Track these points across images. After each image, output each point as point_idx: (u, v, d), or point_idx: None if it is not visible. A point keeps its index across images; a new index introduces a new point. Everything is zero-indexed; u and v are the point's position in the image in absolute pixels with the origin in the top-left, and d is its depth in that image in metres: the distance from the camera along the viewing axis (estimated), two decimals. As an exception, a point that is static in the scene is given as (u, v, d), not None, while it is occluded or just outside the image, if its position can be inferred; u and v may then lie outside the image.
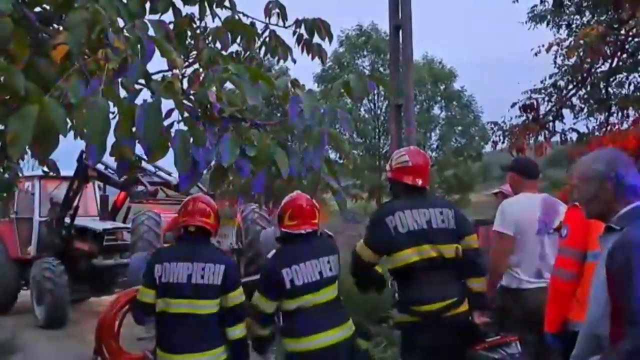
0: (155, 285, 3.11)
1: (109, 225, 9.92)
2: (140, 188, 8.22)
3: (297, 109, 2.03)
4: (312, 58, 3.07)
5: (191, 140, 1.78)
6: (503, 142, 9.08)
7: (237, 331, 3.13)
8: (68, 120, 1.71)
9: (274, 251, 3.35)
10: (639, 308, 1.90)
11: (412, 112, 7.46)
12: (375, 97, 24.45)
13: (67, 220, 9.46)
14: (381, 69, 23.01)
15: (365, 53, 24.53)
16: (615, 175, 2.05)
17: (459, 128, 25.39)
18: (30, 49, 1.79)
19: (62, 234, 9.41)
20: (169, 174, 9.00)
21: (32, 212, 9.77)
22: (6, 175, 4.24)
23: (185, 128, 1.79)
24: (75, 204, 9.38)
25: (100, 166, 8.94)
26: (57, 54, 1.72)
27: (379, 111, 24.66)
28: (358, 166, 23.24)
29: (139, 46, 1.76)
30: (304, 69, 17.49)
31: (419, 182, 3.32)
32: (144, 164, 8.90)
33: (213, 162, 1.97)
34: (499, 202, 4.00)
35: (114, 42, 1.71)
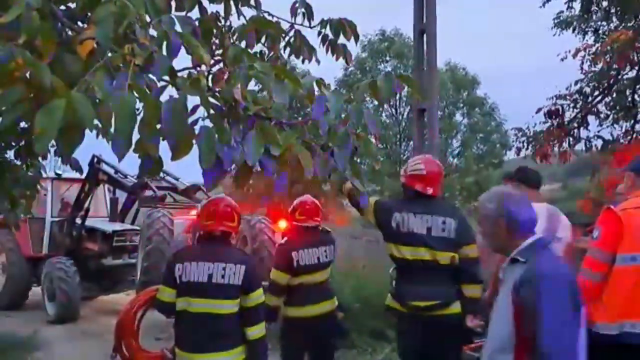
0: (175, 284, 3.13)
1: (118, 226, 10.28)
2: (148, 193, 8.47)
3: (322, 109, 1.99)
4: (337, 59, 3.04)
5: (216, 137, 1.76)
6: (527, 149, 8.95)
7: (256, 331, 3.15)
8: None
9: (285, 238, 4.30)
10: (547, 340, 1.99)
11: (435, 116, 7.38)
12: (397, 103, 24.34)
13: (78, 221, 9.79)
14: (406, 85, 22.93)
15: (387, 58, 24.43)
16: (506, 213, 2.18)
17: (481, 135, 25.14)
18: (57, 45, 1.79)
19: (73, 234, 9.75)
20: (177, 178, 9.21)
21: (44, 212, 10.08)
22: (30, 173, 4.30)
23: (211, 125, 1.77)
24: (86, 205, 9.72)
25: (110, 170, 9.23)
26: (84, 49, 1.72)
27: (400, 117, 24.52)
28: (379, 172, 23.13)
29: (165, 42, 1.75)
30: (326, 73, 17.53)
31: (430, 190, 3.59)
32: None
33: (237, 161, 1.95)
34: None
35: (140, 38, 1.70)
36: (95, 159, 9.26)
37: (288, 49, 3.07)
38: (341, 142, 2.05)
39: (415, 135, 7.83)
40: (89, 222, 10.03)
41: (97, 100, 1.56)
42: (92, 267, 9.76)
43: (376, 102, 23.72)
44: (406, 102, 23.81)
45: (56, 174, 10.05)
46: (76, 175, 9.92)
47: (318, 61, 3.13)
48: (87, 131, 1.62)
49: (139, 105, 1.70)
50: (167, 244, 8.49)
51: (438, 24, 6.92)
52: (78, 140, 1.53)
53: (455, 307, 3.48)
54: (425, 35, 7.03)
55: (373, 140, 2.28)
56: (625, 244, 2.75)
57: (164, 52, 1.76)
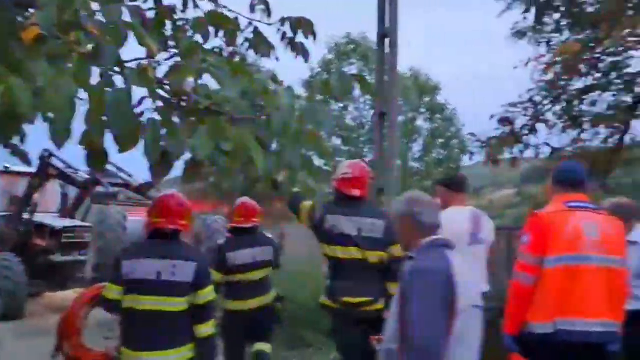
0: (122, 282, 3.05)
1: (68, 222, 9.96)
2: (100, 189, 8.27)
3: (276, 105, 1.98)
4: (296, 56, 3.03)
5: (164, 131, 1.73)
6: (480, 154, 9.19)
7: (206, 329, 3.10)
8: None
9: (224, 239, 4.62)
10: (412, 332, 2.15)
11: (395, 120, 7.45)
12: (362, 106, 24.53)
13: (27, 216, 9.45)
14: (368, 77, 23.15)
15: (353, 61, 24.61)
16: (412, 214, 2.37)
17: (441, 140, 25.60)
18: (1, 30, 1.72)
19: (21, 229, 9.39)
20: (131, 175, 9.06)
21: None
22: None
23: (159, 118, 1.73)
24: (35, 200, 9.39)
25: (61, 165, 8.97)
26: (28, 35, 1.66)
27: (364, 119, 24.72)
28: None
29: (113, 31, 1.70)
30: (292, 74, 17.50)
31: (357, 192, 3.80)
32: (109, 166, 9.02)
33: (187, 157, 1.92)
34: None
35: (87, 26, 1.65)
36: (47, 153, 8.97)
37: (246, 45, 3.03)
38: (295, 139, 2.04)
39: (376, 138, 7.89)
40: (38, 218, 9.66)
41: (38, 89, 1.51)
42: (40, 264, 9.42)
43: (341, 104, 23.89)
44: (370, 105, 24.01)
45: (4, 167, 9.69)
46: (25, 168, 9.64)
47: (277, 59, 3.12)
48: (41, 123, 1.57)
49: (85, 95, 1.66)
50: (121, 241, 8.29)
51: (403, 30, 7.01)
52: (16, 127, 1.47)
53: (381, 304, 3.67)
54: (387, 39, 7.09)
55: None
56: (552, 247, 2.90)
57: (112, 42, 1.72)
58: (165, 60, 2.02)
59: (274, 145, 2.09)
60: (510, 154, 8.95)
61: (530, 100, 9.01)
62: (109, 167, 9.18)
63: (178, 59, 2.40)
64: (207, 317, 3.12)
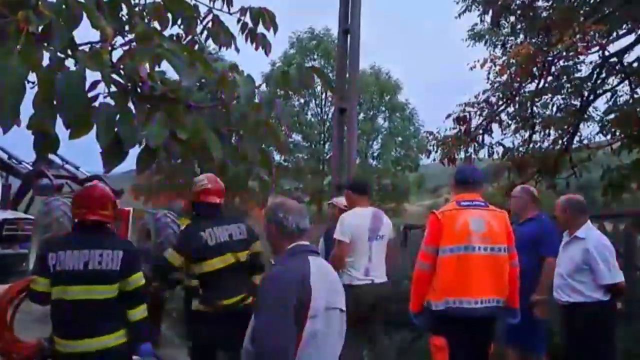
0: (49, 273, 3.09)
1: (9, 214, 9.58)
2: (45, 181, 7.98)
3: (234, 94, 1.96)
4: (256, 48, 3.00)
5: (117, 117, 1.68)
6: (436, 152, 9.35)
7: (137, 313, 3.21)
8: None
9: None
10: (260, 337, 2.22)
11: (354, 116, 7.50)
12: (323, 102, 24.58)
13: None
14: (330, 74, 23.19)
15: (315, 57, 24.64)
16: (275, 219, 2.42)
17: (400, 139, 25.95)
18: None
19: None
20: (77, 167, 8.80)
21: None
22: None
23: (112, 103, 1.68)
24: None
25: (3, 155, 8.63)
26: (-28, 12, 1.58)
27: (325, 116, 24.78)
28: (301, 170, 23.25)
29: (64, 12, 1.64)
30: (253, 68, 17.34)
31: (217, 200, 4.08)
32: (50, 156, 8.77)
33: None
34: (332, 213, 5.14)
35: (36, 4, 1.59)
36: None
37: (205, 34, 2.99)
38: (252, 129, 2.03)
39: (335, 134, 7.92)
40: None
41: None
42: None
43: (302, 100, 23.86)
44: (332, 102, 24.09)
45: None
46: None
47: (237, 49, 3.08)
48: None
49: (34, 77, 1.59)
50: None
51: (365, 29, 7.05)
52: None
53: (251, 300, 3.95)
54: (349, 35, 7.13)
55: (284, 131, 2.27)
56: (445, 239, 3.48)
57: (64, 23, 1.66)
58: (121, 45, 1.96)
59: (232, 137, 2.06)
60: (465, 153, 9.16)
61: (486, 100, 9.24)
62: (54, 158, 8.89)
63: (134, 45, 2.35)
64: (138, 302, 3.22)
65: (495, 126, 9.38)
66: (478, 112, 9.22)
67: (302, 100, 24.05)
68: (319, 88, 24.53)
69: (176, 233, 9.80)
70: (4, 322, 3.40)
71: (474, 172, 3.90)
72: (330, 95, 24.18)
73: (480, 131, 9.25)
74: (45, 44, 1.65)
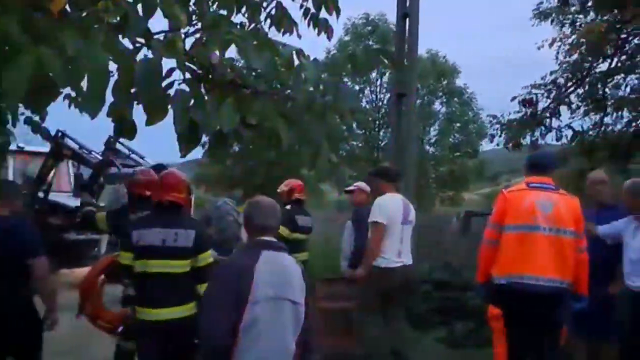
0: (132, 248, 3.42)
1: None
2: (113, 170, 8.34)
3: (301, 79, 1.97)
4: (318, 33, 3.00)
5: (191, 102, 1.73)
6: (500, 136, 9.04)
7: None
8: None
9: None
10: (200, 320, 2.46)
11: (413, 101, 7.39)
12: (378, 88, 24.32)
13: (41, 195, 9.56)
14: (385, 60, 22.88)
15: (370, 43, 24.32)
16: (246, 215, 2.62)
17: (458, 124, 25.32)
18: (26, 1, 1.72)
19: (35, 208, 9.50)
20: (142, 157, 9.14)
21: None
22: (-1, 141, 4.17)
23: (187, 89, 1.73)
24: (49, 180, 9.49)
25: (75, 145, 9.06)
26: (55, 5, 1.66)
27: (380, 103, 24.53)
28: (356, 157, 23.18)
29: (140, 2, 1.70)
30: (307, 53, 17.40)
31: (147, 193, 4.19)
32: (118, 146, 9.15)
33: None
34: (353, 197, 5.45)
35: (115, -4, 1.65)
36: (60, 134, 9.05)
37: (269, 21, 3.02)
38: (319, 113, 2.03)
39: (392, 120, 7.84)
40: (52, 197, 9.78)
41: (69, 59, 1.51)
42: (54, 242, 9.54)
43: (357, 87, 23.67)
44: (387, 88, 23.81)
45: (18, 147, 9.78)
46: (39, 148, 9.73)
47: (299, 36, 3.10)
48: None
49: (112, 67, 1.66)
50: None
51: (422, 11, 6.90)
52: (48, 98, 1.48)
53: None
54: (407, 19, 7.00)
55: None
56: (510, 217, 3.61)
57: (140, 13, 1.72)
58: (191, 33, 2.02)
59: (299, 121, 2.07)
60: (531, 137, 8.81)
61: (554, 82, 8.83)
62: (121, 148, 9.31)
63: (199, 33, 2.40)
64: (207, 278, 3.34)
65: (563, 109, 8.92)
66: (545, 94, 8.82)
67: (356, 87, 23.86)
68: (373, 75, 24.29)
69: (236, 220, 10.22)
70: (94, 292, 3.82)
71: (546, 156, 4.05)
72: (386, 82, 23.93)
73: (548, 114, 8.84)
74: (122, 33, 1.73)
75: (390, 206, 4.55)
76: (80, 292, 3.85)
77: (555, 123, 8.98)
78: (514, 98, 8.80)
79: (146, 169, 4.65)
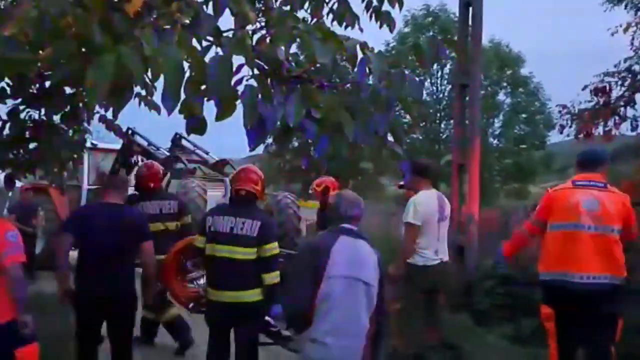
0: (206, 233, 3.76)
1: None
2: (180, 165, 8.66)
3: (365, 71, 1.97)
4: (380, 26, 3.00)
5: (259, 97, 1.78)
6: (570, 127, 8.63)
7: (271, 277, 3.70)
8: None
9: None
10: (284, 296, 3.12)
11: (477, 92, 7.21)
12: (439, 80, 23.85)
13: None
14: (450, 50, 22.32)
15: (431, 34, 23.86)
16: (333, 204, 3.09)
17: (523, 115, 24.40)
18: (106, 3, 1.82)
19: None
20: (207, 153, 9.42)
21: (80, 180, 10.35)
22: (76, 138, 4.44)
23: (255, 85, 1.78)
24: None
25: (144, 142, 9.47)
26: (132, 6, 1.75)
27: (441, 95, 24.04)
28: (416, 150, 22.88)
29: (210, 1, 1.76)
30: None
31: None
32: (184, 142, 9.45)
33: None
34: (405, 193, 5.18)
35: (187, -4, 1.72)
36: (130, 131, 9.47)
37: (331, 16, 3.04)
38: (383, 105, 2.03)
39: (455, 111, 7.68)
40: None
41: (145, 57, 1.59)
42: None
43: (417, 79, 23.28)
44: (448, 79, 23.31)
45: (92, 144, 10.32)
46: (111, 145, 10.23)
47: (361, 29, 3.10)
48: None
49: (185, 65, 1.73)
50: (202, 211, 8.67)
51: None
52: (128, 94, 1.57)
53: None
54: (470, 7, 6.83)
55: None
56: (555, 215, 3.72)
57: (210, 11, 1.78)
58: (258, 29, 2.07)
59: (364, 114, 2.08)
60: (604, 127, 8.37)
61: (628, 69, 8.34)
62: (186, 144, 9.66)
63: (266, 29, 2.46)
64: (271, 268, 3.71)
65: (639, 97, 8.42)
66: (619, 82, 8.35)
67: (417, 79, 23.48)
68: (434, 66, 23.82)
69: (296, 213, 10.43)
70: (174, 270, 4.23)
71: (595, 153, 4.02)
72: (447, 73, 23.43)
73: (622, 103, 8.37)
74: (193, 32, 1.80)
75: (425, 205, 4.52)
76: (161, 271, 4.21)
77: (630, 112, 8.49)
78: (585, 87, 8.38)
79: (150, 163, 5.30)
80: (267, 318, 4.12)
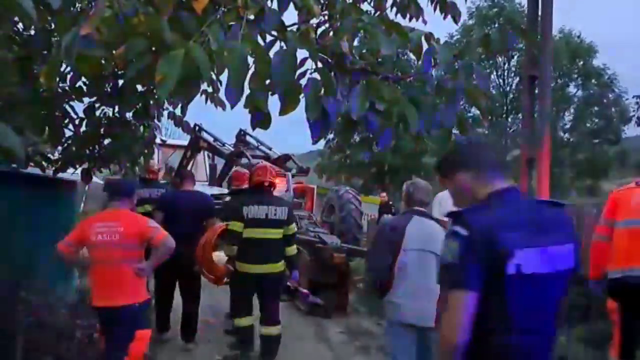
0: (243, 220, 4.62)
1: (216, 190, 10.74)
2: (244, 161, 8.83)
3: (431, 63, 1.93)
4: (445, 17, 2.93)
5: (322, 91, 1.77)
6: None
7: (292, 249, 4.92)
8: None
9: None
10: (366, 260, 5.15)
11: (548, 84, 6.88)
12: (505, 73, 23.07)
13: None
14: (521, 38, 21.44)
15: (496, 26, 23.12)
16: (406, 191, 3.65)
17: (596, 108, 23.19)
18: (175, 1, 1.88)
19: None
20: (270, 148, 9.54)
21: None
22: (146, 134, 4.61)
23: (318, 78, 1.78)
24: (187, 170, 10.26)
25: (210, 138, 9.71)
26: (199, 5, 1.79)
27: (508, 88, 23.24)
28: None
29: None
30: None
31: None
32: (248, 138, 9.58)
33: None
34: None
35: (253, -9, 1.74)
36: (197, 127, 9.75)
37: (395, 9, 2.99)
38: (449, 97, 1.98)
39: (524, 105, 7.38)
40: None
41: (213, 53, 1.63)
42: None
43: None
44: (515, 72, 22.52)
45: (161, 140, 10.71)
46: (178, 142, 10.56)
47: (425, 21, 3.04)
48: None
49: (250, 60, 1.76)
50: None
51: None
52: (196, 88, 1.60)
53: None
54: (540, -4, 6.53)
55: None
56: (621, 213, 3.84)
57: (274, 6, 1.80)
58: (321, 23, 2.06)
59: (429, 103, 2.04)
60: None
61: None
62: (250, 140, 9.84)
63: (329, 22, 2.45)
64: (293, 242, 4.93)
65: None
66: None
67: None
68: (500, 59, 23.07)
69: (357, 208, 10.45)
70: (210, 250, 4.84)
71: None
72: (514, 65, 22.63)
73: None
74: (258, 27, 1.82)
75: (450, 201, 4.41)
76: (197, 250, 4.85)
77: None
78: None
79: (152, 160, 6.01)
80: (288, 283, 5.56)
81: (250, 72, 1.75)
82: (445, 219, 2.44)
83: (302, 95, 1.79)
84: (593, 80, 23.22)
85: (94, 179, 5.26)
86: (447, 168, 2.03)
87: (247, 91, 1.81)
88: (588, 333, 5.42)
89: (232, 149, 9.57)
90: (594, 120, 23.43)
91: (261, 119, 1.94)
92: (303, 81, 1.83)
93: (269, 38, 1.91)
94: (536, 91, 6.87)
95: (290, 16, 2.08)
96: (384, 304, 3.53)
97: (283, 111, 1.84)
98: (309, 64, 1.80)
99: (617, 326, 3.88)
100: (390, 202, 15.22)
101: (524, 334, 1.76)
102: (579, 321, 5.71)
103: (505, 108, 23.35)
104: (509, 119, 23.37)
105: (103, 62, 2.39)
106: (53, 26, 2.62)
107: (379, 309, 6.95)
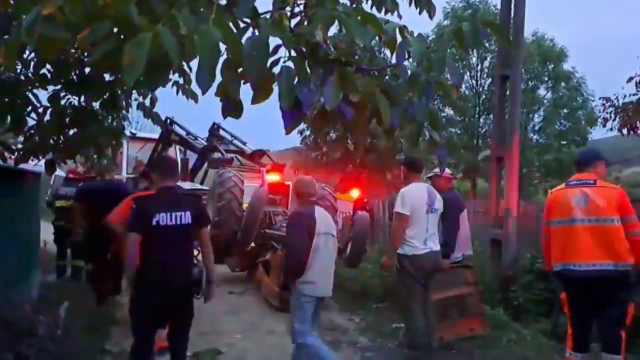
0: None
1: (188, 185, 10.52)
2: (217, 155, 8.66)
3: (404, 55, 1.91)
4: (420, 12, 2.92)
5: (296, 80, 1.74)
6: (614, 120, 8.31)
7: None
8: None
9: None
10: (286, 243, 4.76)
11: (518, 84, 7.01)
12: (478, 74, 23.36)
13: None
14: (486, 44, 21.83)
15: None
16: (296, 187, 4.39)
17: (565, 111, 23.67)
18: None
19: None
20: (244, 143, 9.42)
21: (120, 169, 10.51)
22: (114, 125, 4.50)
23: (292, 67, 1.74)
24: None
25: (182, 132, 9.52)
26: (169, -12, 1.73)
27: (480, 89, 23.53)
28: (455, 144, 22.51)
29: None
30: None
31: None
32: (221, 132, 9.40)
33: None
34: (435, 183, 5.42)
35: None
36: (168, 121, 9.56)
37: (370, 2, 2.97)
38: (422, 90, 1.97)
39: (496, 103, 7.49)
40: None
41: (181, 37, 1.57)
42: None
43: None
44: (488, 73, 22.82)
45: (131, 133, 10.43)
46: (149, 135, 10.34)
47: (400, 15, 3.02)
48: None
49: (222, 47, 1.71)
50: (237, 202, 8.65)
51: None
52: (164, 73, 1.55)
53: None
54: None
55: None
56: (554, 213, 4.21)
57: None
58: (296, 12, 2.03)
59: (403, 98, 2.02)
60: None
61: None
62: (224, 134, 9.68)
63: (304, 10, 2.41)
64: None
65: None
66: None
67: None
68: (473, 59, 23.34)
69: (333, 206, 10.38)
70: None
71: (586, 154, 4.48)
72: (487, 66, 22.92)
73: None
74: (230, 13, 1.77)
75: (414, 197, 4.76)
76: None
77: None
78: (630, 79, 8.07)
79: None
80: None
81: (222, 59, 1.71)
82: None
83: (276, 84, 1.76)
84: (562, 83, 23.69)
85: (58, 171, 5.06)
86: None
87: (218, 79, 1.77)
88: (552, 326, 5.54)
89: (205, 143, 9.42)
90: (562, 122, 23.91)
91: (232, 107, 1.90)
92: (276, 70, 1.80)
93: (241, 25, 1.87)
94: (507, 92, 6.98)
95: (265, 3, 2.04)
96: (296, 284, 4.02)
97: (256, 99, 1.79)
98: (283, 51, 1.77)
99: (568, 318, 4.17)
100: (365, 200, 15.24)
101: None
102: (543, 315, 5.83)
103: (477, 109, 23.63)
104: (481, 120, 23.67)
105: (67, 47, 2.31)
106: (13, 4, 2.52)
107: (349, 304, 6.99)
